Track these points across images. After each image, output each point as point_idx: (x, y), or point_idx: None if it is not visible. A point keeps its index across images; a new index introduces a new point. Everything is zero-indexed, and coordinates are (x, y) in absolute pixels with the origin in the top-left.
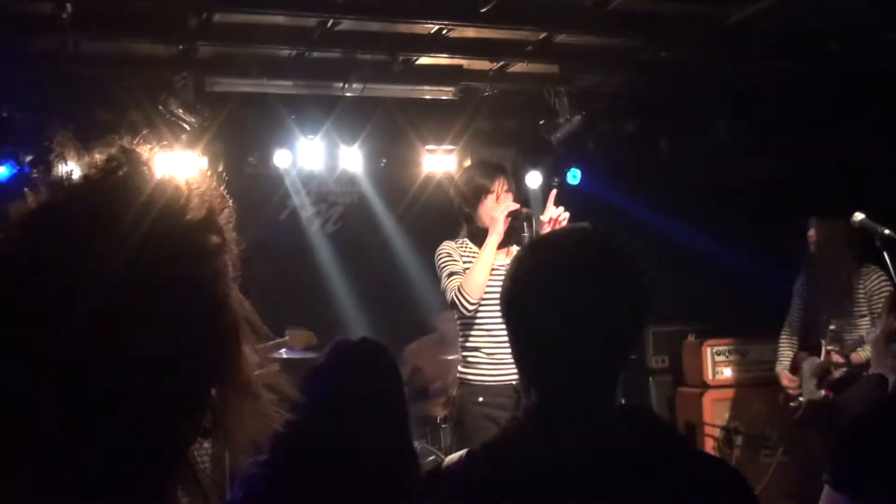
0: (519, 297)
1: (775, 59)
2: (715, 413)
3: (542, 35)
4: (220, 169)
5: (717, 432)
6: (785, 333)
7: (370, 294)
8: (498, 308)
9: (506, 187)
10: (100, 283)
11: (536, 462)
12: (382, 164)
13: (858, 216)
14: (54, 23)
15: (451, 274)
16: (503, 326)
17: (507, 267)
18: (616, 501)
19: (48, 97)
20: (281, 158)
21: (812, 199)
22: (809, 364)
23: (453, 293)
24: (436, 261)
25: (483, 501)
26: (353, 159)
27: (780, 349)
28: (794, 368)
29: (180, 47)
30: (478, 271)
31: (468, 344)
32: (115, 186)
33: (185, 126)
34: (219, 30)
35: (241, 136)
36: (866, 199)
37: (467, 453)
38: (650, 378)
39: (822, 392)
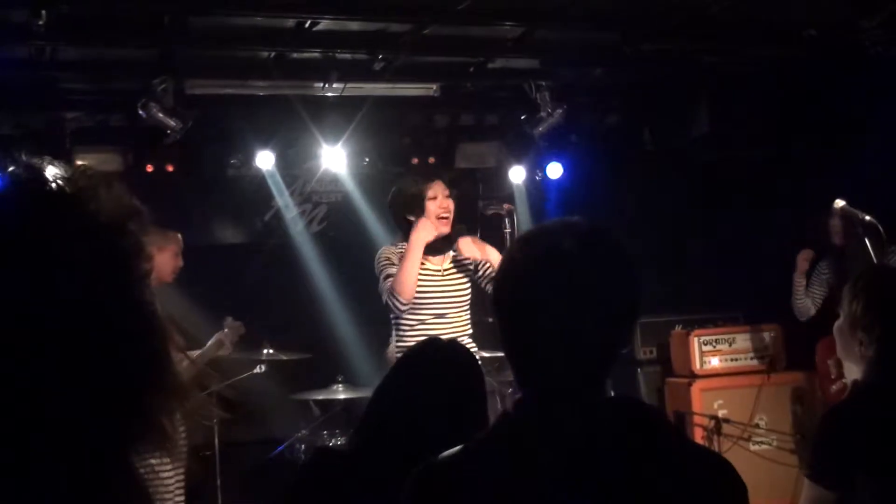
0: (511, 291)
1: (755, 48)
2: (703, 402)
3: (521, 30)
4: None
5: (706, 421)
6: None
7: (356, 293)
8: (430, 312)
9: (446, 192)
10: (23, 298)
11: (531, 456)
12: (366, 163)
13: (839, 203)
14: (30, 29)
15: (387, 276)
16: (435, 330)
17: (454, 275)
18: (609, 493)
19: (27, 104)
20: (263, 159)
21: (795, 189)
22: None
23: (386, 295)
24: (376, 265)
25: (480, 497)
26: (336, 159)
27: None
28: (829, 355)
29: (158, 51)
30: (405, 271)
31: (401, 344)
32: (23, 205)
33: (167, 130)
34: (196, 33)
35: (223, 138)
36: (850, 187)
37: (462, 449)
38: (638, 369)
39: None
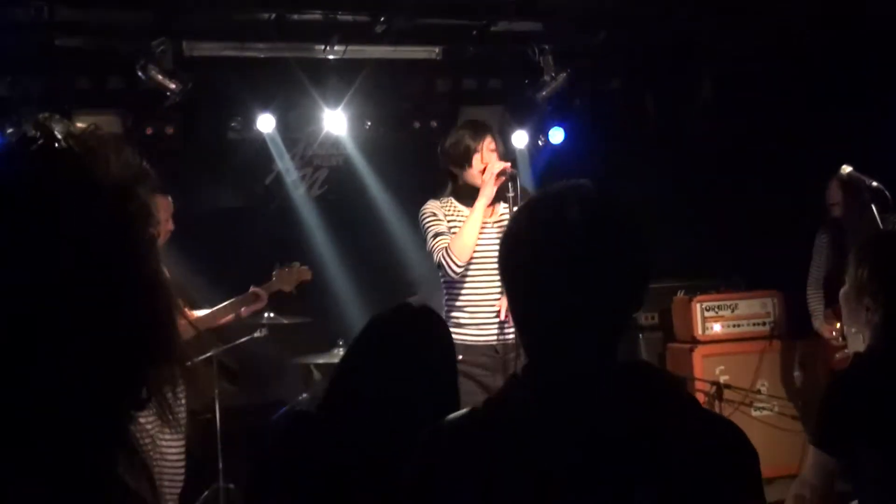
0: (518, 256)
1: (760, 15)
2: (705, 368)
3: None
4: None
5: (707, 387)
6: (811, 289)
7: (357, 257)
8: (482, 268)
9: (492, 146)
10: (28, 262)
11: (537, 422)
12: (367, 127)
13: (846, 169)
14: None
15: (436, 234)
16: (486, 286)
17: (505, 224)
18: (619, 459)
19: (26, 67)
20: (264, 123)
21: (799, 155)
22: None
23: (441, 255)
24: (420, 221)
25: (488, 461)
26: (337, 122)
27: (813, 305)
28: (834, 323)
29: (157, 13)
30: (466, 234)
31: (451, 303)
32: (31, 162)
33: (167, 92)
34: None
35: (223, 101)
36: (853, 154)
37: (469, 412)
38: (640, 335)
39: None
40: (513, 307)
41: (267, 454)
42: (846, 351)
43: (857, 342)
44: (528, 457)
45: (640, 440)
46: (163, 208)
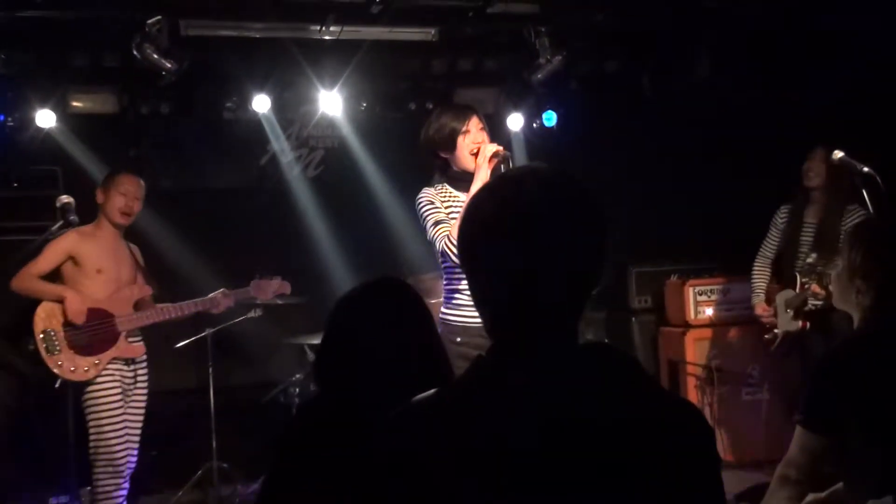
0: (476, 237)
1: None
2: (697, 352)
3: None
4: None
5: (699, 371)
6: (759, 265)
7: (352, 238)
8: None
9: (480, 125)
10: None
11: (493, 405)
12: (363, 108)
13: (838, 154)
14: None
15: (436, 223)
16: None
17: (465, 206)
18: (581, 436)
19: (19, 43)
20: (259, 103)
21: (797, 137)
22: (783, 297)
23: (443, 243)
24: (418, 210)
25: (455, 442)
26: (332, 103)
27: (756, 282)
28: (768, 301)
29: None
30: None
31: (450, 286)
32: None
33: (162, 72)
34: None
35: (219, 80)
36: (846, 135)
37: (436, 393)
38: (633, 318)
39: (799, 323)
40: (471, 287)
41: (284, 457)
42: (776, 331)
43: (787, 322)
44: (488, 439)
45: (596, 420)
46: (128, 187)
